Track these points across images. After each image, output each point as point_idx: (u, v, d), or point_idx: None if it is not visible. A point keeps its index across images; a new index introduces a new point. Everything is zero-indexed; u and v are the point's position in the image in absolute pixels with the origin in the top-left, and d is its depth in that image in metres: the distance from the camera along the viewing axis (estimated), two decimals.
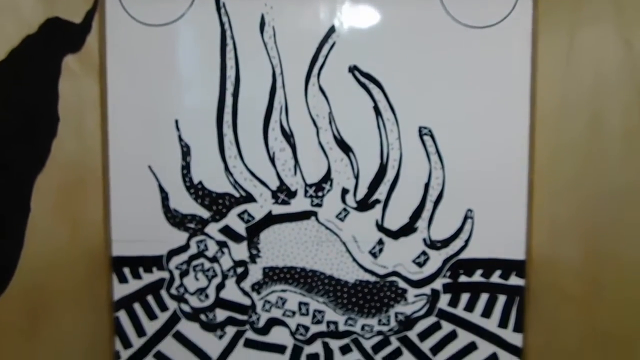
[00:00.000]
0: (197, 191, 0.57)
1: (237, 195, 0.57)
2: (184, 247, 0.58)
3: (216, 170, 0.57)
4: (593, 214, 0.48)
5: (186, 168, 0.57)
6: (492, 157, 0.57)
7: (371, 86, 0.56)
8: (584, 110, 0.50)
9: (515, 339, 0.59)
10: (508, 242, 0.58)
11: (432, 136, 0.57)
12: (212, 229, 0.58)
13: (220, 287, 0.58)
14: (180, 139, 0.57)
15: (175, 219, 0.58)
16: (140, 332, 0.59)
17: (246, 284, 0.58)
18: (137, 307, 0.59)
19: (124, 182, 0.58)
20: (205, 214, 0.58)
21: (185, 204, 0.58)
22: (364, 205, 0.57)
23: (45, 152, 0.47)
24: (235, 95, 0.57)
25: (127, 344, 0.59)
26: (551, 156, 0.54)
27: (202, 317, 0.59)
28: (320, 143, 0.57)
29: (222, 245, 0.58)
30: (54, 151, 0.50)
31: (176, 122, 0.57)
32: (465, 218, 0.58)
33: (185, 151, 0.57)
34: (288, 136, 0.57)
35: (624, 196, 0.45)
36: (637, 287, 0.41)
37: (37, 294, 0.46)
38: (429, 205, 0.57)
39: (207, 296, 0.59)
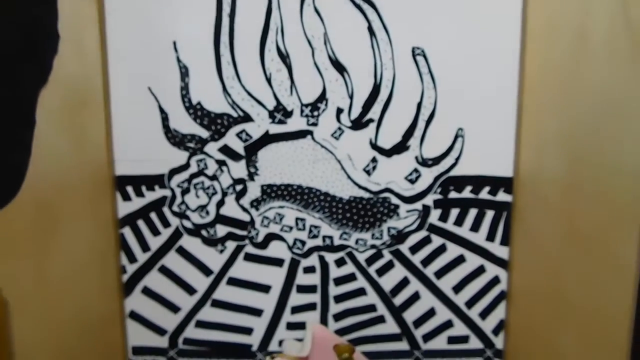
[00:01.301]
0: (196, 111, 0.59)
1: (235, 115, 0.59)
2: (185, 166, 0.60)
3: (214, 91, 0.59)
4: (577, 128, 0.50)
5: (185, 89, 0.59)
6: (483, 77, 0.58)
7: (365, 6, 0.57)
8: (571, 25, 0.50)
9: (502, 252, 0.62)
10: (497, 159, 0.60)
11: (424, 56, 0.58)
12: (212, 148, 0.60)
13: (220, 204, 0.61)
14: (179, 60, 0.58)
15: (176, 138, 0.60)
16: (145, 247, 0.62)
17: (245, 201, 0.61)
18: (141, 223, 0.62)
19: (125, 103, 0.59)
20: (204, 133, 0.59)
21: (184, 124, 0.59)
22: (358, 124, 0.59)
23: (47, 67, 0.48)
24: (232, 16, 0.58)
25: (132, 258, 0.62)
26: (540, 73, 0.55)
27: (204, 232, 0.61)
28: (315, 63, 0.58)
29: (221, 163, 0.60)
30: (55, 69, 0.51)
31: (174, 43, 0.58)
32: (456, 137, 0.59)
33: (184, 72, 0.58)
34: (284, 57, 0.58)
35: (607, 109, 0.46)
36: (615, 194, 0.43)
37: (46, 207, 0.48)
38: (421, 124, 0.59)
39: (207, 213, 0.61)
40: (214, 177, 0.60)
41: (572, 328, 0.49)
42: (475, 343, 0.64)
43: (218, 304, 0.63)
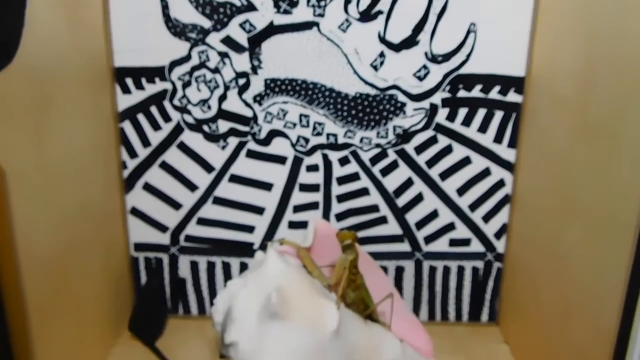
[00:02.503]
0: None
1: (238, 3, 0.56)
2: (186, 58, 0.58)
3: None
4: (595, 18, 0.48)
5: None
6: None
7: None
8: None
9: (509, 155, 0.61)
10: (509, 58, 0.58)
11: None
12: (214, 39, 0.58)
13: (222, 98, 0.59)
14: None
15: (176, 28, 0.57)
16: (145, 142, 0.61)
17: (248, 96, 0.59)
18: (141, 118, 0.60)
19: None
20: (206, 23, 0.57)
21: (186, 12, 0.57)
22: (367, 16, 0.57)
23: None
24: None
25: (133, 154, 0.61)
26: None
27: (205, 128, 0.60)
28: None
29: (223, 55, 0.58)
30: None
31: None
32: (468, 32, 0.57)
33: None
34: None
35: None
36: (632, 85, 0.42)
37: (42, 91, 0.46)
38: (432, 18, 0.57)
39: (209, 107, 0.60)
40: (216, 70, 0.58)
41: (576, 229, 0.49)
42: (476, 246, 0.64)
43: (220, 201, 0.62)
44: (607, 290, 0.42)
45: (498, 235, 0.63)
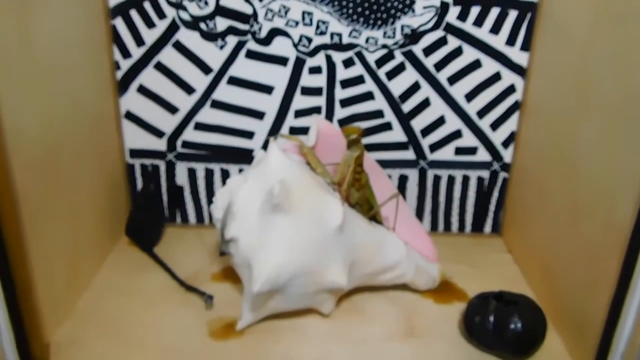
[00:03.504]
0: None
1: None
2: None
3: None
4: None
5: None
6: None
7: None
8: None
9: (521, 58, 0.58)
10: None
11: None
12: None
13: None
14: None
15: None
16: (139, 41, 0.58)
17: None
18: (134, 14, 0.57)
19: None
20: None
21: None
22: None
23: None
24: None
25: (126, 53, 0.58)
26: None
27: (202, 25, 0.57)
28: None
29: None
30: None
31: None
32: None
33: None
34: None
35: None
36: None
37: None
38: None
39: (206, 3, 0.56)
40: None
41: (591, 128, 0.46)
42: (483, 155, 0.62)
43: (218, 104, 0.60)
44: (622, 186, 0.41)
45: (506, 143, 0.61)
